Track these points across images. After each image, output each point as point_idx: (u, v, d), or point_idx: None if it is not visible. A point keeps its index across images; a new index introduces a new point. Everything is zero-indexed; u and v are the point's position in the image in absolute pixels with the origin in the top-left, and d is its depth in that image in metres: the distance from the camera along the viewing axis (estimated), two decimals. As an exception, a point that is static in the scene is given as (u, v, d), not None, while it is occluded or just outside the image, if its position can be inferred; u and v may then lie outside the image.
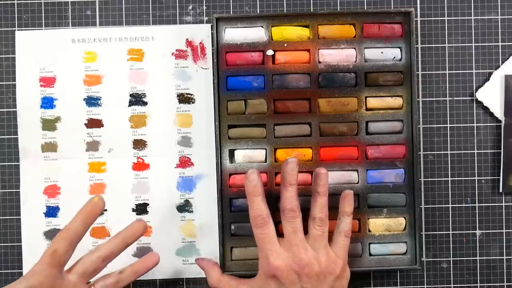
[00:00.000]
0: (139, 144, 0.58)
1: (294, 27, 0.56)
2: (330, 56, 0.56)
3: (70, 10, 0.58)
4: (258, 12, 0.58)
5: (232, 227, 0.56)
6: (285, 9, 0.58)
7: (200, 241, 0.57)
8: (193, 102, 0.58)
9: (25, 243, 0.57)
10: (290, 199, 0.50)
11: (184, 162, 0.58)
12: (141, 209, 0.57)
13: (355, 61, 0.56)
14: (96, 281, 0.50)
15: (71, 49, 0.57)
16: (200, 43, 0.58)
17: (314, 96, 0.56)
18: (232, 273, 0.55)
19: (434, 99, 0.58)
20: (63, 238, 0.46)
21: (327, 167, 0.56)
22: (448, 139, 0.58)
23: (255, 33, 0.56)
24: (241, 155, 0.56)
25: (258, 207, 0.50)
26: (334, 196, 0.56)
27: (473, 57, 0.58)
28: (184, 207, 0.58)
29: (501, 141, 0.57)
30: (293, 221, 0.49)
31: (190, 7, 0.58)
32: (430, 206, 0.58)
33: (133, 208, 0.57)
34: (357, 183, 0.56)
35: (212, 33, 0.57)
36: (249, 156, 0.56)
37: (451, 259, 0.58)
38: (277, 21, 0.56)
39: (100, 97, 0.58)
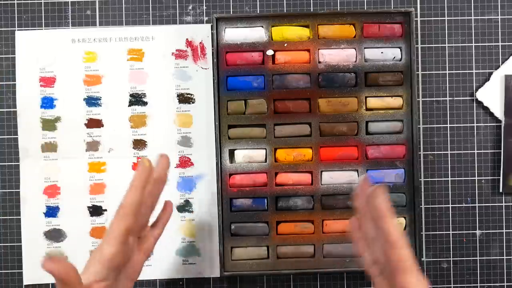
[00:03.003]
0: (139, 144, 0.58)
1: (294, 27, 0.56)
2: (330, 56, 0.56)
3: (70, 10, 0.58)
4: (258, 12, 0.58)
5: (232, 227, 0.56)
6: (285, 9, 0.58)
7: (200, 241, 0.57)
8: (193, 102, 0.58)
9: (25, 243, 0.57)
10: None
11: (184, 162, 0.58)
12: (141, 209, 0.57)
13: (355, 61, 0.56)
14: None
15: (71, 49, 0.57)
16: (200, 43, 0.58)
17: (314, 96, 0.56)
18: (232, 273, 0.55)
19: (434, 99, 0.58)
20: (129, 213, 0.42)
21: (327, 167, 0.56)
22: (448, 139, 0.58)
23: (255, 33, 0.56)
24: (241, 155, 0.56)
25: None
26: (334, 196, 0.56)
27: (473, 57, 0.58)
28: (184, 207, 0.58)
29: (501, 141, 0.57)
30: None
31: (190, 7, 0.58)
32: (430, 206, 0.58)
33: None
34: (357, 183, 0.56)
35: (212, 33, 0.57)
36: (249, 156, 0.56)
37: (451, 259, 0.58)
38: (277, 21, 0.56)
39: (100, 97, 0.58)
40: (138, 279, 0.57)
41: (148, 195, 0.45)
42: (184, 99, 0.58)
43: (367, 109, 0.56)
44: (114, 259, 0.41)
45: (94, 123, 0.58)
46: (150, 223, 0.48)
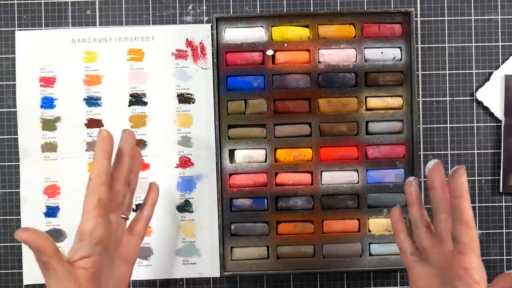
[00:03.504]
0: (139, 144, 0.58)
1: (294, 27, 0.56)
2: (330, 56, 0.56)
3: (70, 10, 0.58)
4: (258, 12, 0.58)
5: (232, 227, 0.56)
6: (285, 9, 0.58)
7: (200, 241, 0.57)
8: (193, 102, 0.58)
9: (25, 243, 0.57)
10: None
11: (184, 162, 0.58)
12: (141, 209, 0.57)
13: (355, 61, 0.56)
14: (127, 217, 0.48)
15: (71, 49, 0.57)
16: (200, 43, 0.58)
17: (314, 96, 0.56)
18: (232, 273, 0.55)
19: (434, 99, 0.58)
20: (100, 184, 0.42)
21: (327, 167, 0.56)
22: (448, 139, 0.58)
23: (255, 33, 0.56)
24: (241, 155, 0.56)
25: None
26: (334, 196, 0.56)
27: (473, 57, 0.58)
28: (184, 207, 0.58)
29: (501, 141, 0.57)
30: None
31: (190, 7, 0.58)
32: (430, 206, 0.58)
33: (133, 208, 0.57)
34: (357, 183, 0.56)
35: (212, 33, 0.57)
36: (249, 156, 0.56)
37: (451, 259, 0.58)
38: (277, 21, 0.56)
39: (100, 97, 0.58)
40: (139, 279, 0.57)
41: (117, 170, 0.45)
42: (184, 99, 0.58)
43: (367, 109, 0.56)
44: (93, 233, 0.41)
45: (94, 123, 0.58)
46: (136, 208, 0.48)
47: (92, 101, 0.58)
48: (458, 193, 0.39)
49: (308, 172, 0.56)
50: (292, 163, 0.56)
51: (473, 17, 0.58)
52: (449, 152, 0.58)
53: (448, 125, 0.58)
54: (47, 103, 0.57)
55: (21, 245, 0.57)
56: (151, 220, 0.57)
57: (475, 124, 0.58)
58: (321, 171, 0.56)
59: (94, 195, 0.42)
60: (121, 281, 0.46)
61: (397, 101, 0.56)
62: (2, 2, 0.58)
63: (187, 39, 0.58)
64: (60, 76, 0.57)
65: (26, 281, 0.57)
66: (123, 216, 0.46)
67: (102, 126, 0.57)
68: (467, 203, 0.39)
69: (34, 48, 0.57)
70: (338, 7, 0.58)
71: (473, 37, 0.58)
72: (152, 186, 0.51)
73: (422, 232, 0.45)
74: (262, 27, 0.56)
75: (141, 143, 0.58)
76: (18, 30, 0.58)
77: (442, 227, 0.43)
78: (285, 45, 0.56)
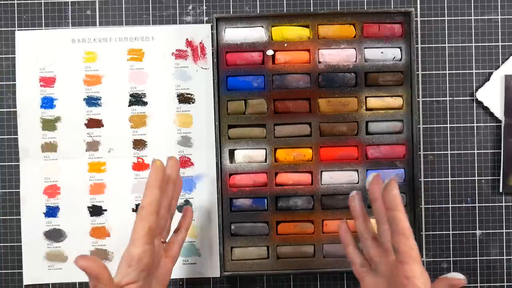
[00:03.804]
0: (139, 144, 0.58)
1: (294, 27, 0.56)
2: (330, 56, 0.56)
3: (70, 10, 0.58)
4: (258, 12, 0.58)
5: (232, 227, 0.56)
6: (285, 9, 0.58)
7: (200, 241, 0.57)
8: (193, 102, 0.58)
9: (25, 243, 0.57)
10: None
11: (184, 162, 0.58)
12: (141, 209, 0.57)
13: (355, 61, 0.56)
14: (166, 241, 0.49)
15: (71, 49, 0.57)
16: (200, 43, 0.58)
17: (314, 96, 0.56)
18: (232, 273, 0.55)
19: (434, 99, 0.58)
20: (150, 213, 0.43)
21: (327, 167, 0.56)
22: (448, 139, 0.58)
23: (255, 33, 0.56)
24: (241, 155, 0.56)
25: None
26: (334, 196, 0.56)
27: (473, 57, 0.58)
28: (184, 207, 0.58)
29: (501, 141, 0.57)
30: None
31: (190, 7, 0.58)
32: (430, 206, 0.58)
33: (133, 208, 0.57)
34: (357, 183, 0.56)
35: (212, 33, 0.57)
36: (249, 156, 0.56)
37: (451, 259, 0.58)
38: (277, 21, 0.56)
39: (100, 97, 0.58)
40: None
41: (163, 197, 0.46)
42: (184, 99, 0.58)
43: (367, 109, 0.56)
44: (141, 260, 0.42)
45: (94, 123, 0.58)
46: (172, 230, 0.50)
47: (92, 101, 0.58)
48: (392, 205, 0.40)
49: (308, 172, 0.56)
50: (292, 163, 0.56)
51: (473, 17, 0.58)
52: (449, 152, 0.58)
53: (448, 125, 0.58)
54: (47, 103, 0.57)
55: (21, 245, 0.57)
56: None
57: (475, 124, 0.58)
58: (321, 171, 0.56)
59: (144, 223, 0.43)
60: None
61: (397, 101, 0.56)
62: (2, 2, 0.58)
63: (187, 39, 0.58)
64: (60, 76, 0.57)
65: (26, 281, 0.57)
66: (162, 240, 0.48)
67: (102, 126, 0.57)
68: (401, 214, 0.40)
69: (34, 48, 0.57)
70: (338, 7, 0.58)
71: (473, 37, 0.58)
72: (187, 211, 0.52)
73: (369, 243, 0.46)
74: (262, 27, 0.56)
75: (141, 143, 0.58)
76: (18, 30, 0.58)
77: (385, 237, 0.43)
78: (285, 45, 0.56)
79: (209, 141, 0.57)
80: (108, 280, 0.40)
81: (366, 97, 0.56)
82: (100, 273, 0.39)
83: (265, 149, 0.56)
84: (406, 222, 0.40)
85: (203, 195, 0.58)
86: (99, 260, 0.40)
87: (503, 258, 0.58)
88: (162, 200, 0.46)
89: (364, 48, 0.56)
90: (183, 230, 0.51)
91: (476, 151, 0.58)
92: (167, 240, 0.49)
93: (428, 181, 0.58)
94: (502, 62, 0.58)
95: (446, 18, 0.58)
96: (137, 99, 0.58)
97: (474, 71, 0.58)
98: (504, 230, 0.58)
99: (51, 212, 0.57)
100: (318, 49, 0.56)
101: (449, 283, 0.41)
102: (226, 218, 0.56)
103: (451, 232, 0.58)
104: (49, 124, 0.57)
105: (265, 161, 0.56)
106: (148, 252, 0.43)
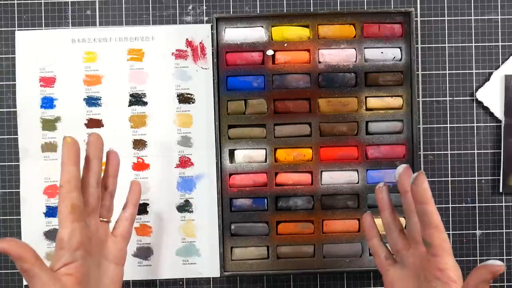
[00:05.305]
0: (139, 144, 0.58)
1: (294, 27, 0.56)
2: (330, 56, 0.56)
3: (70, 10, 0.58)
4: (258, 12, 0.58)
5: (232, 227, 0.56)
6: (285, 9, 0.58)
7: (200, 241, 0.57)
8: (193, 102, 0.58)
9: (25, 243, 0.57)
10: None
11: (184, 162, 0.58)
12: (141, 209, 0.57)
13: (355, 61, 0.56)
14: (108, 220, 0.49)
15: (71, 49, 0.57)
16: (200, 43, 0.58)
17: (314, 96, 0.56)
18: (232, 273, 0.55)
19: (434, 99, 0.58)
20: (70, 190, 0.42)
21: (327, 167, 0.56)
22: (448, 139, 0.58)
23: (255, 33, 0.56)
24: (241, 155, 0.56)
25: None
26: (334, 196, 0.56)
27: (473, 57, 0.58)
28: (184, 207, 0.58)
29: (501, 141, 0.57)
30: None
31: (190, 7, 0.58)
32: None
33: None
34: (357, 183, 0.56)
35: (212, 33, 0.57)
36: (249, 156, 0.56)
37: (451, 259, 0.58)
38: (277, 21, 0.56)
39: (100, 97, 0.58)
40: (138, 279, 0.57)
41: (87, 174, 0.45)
42: (184, 99, 0.58)
43: (367, 109, 0.56)
44: (72, 239, 0.42)
45: (94, 123, 0.58)
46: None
47: (92, 101, 0.58)
48: (422, 199, 0.40)
49: (308, 172, 0.56)
50: (292, 163, 0.56)
51: (473, 17, 0.58)
52: (449, 152, 0.58)
53: (448, 125, 0.58)
54: (47, 103, 0.57)
55: (21, 245, 0.57)
56: (151, 220, 0.58)
57: (475, 124, 0.58)
58: (321, 171, 0.56)
59: (66, 202, 0.42)
60: (113, 283, 0.47)
61: (397, 101, 0.56)
62: (2, 2, 0.58)
63: (187, 39, 0.58)
64: (60, 76, 0.57)
65: (26, 281, 0.57)
66: (104, 219, 0.47)
67: (102, 126, 0.57)
68: (432, 207, 0.40)
69: (34, 48, 0.57)
70: (338, 7, 0.58)
71: (473, 37, 0.58)
72: (133, 185, 0.52)
73: (396, 235, 0.46)
74: (262, 27, 0.56)
75: (141, 143, 0.58)
76: (18, 30, 0.58)
77: (415, 229, 0.43)
78: (285, 45, 0.56)
79: (209, 141, 0.57)
80: (34, 259, 0.39)
81: (366, 97, 0.56)
82: (22, 253, 0.39)
83: (265, 149, 0.56)
84: (438, 216, 0.40)
85: (203, 195, 0.58)
86: (23, 242, 0.40)
87: (503, 258, 0.58)
88: (87, 178, 0.45)
89: (364, 48, 0.56)
90: (130, 206, 0.50)
91: (476, 151, 0.58)
92: (112, 219, 0.49)
93: (428, 181, 0.58)
94: (502, 62, 0.58)
95: (446, 18, 0.58)
96: (137, 99, 0.58)
97: (474, 71, 0.58)
98: (504, 230, 0.58)
99: (51, 212, 0.57)
100: (318, 49, 0.56)
101: (490, 270, 0.41)
102: (226, 218, 0.56)
103: (451, 232, 0.58)
104: (49, 124, 0.57)
105: (265, 161, 0.56)
106: (78, 231, 0.42)
